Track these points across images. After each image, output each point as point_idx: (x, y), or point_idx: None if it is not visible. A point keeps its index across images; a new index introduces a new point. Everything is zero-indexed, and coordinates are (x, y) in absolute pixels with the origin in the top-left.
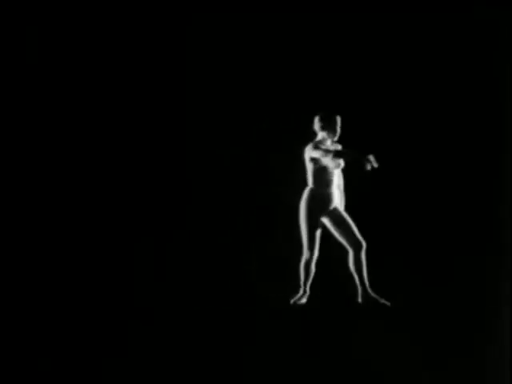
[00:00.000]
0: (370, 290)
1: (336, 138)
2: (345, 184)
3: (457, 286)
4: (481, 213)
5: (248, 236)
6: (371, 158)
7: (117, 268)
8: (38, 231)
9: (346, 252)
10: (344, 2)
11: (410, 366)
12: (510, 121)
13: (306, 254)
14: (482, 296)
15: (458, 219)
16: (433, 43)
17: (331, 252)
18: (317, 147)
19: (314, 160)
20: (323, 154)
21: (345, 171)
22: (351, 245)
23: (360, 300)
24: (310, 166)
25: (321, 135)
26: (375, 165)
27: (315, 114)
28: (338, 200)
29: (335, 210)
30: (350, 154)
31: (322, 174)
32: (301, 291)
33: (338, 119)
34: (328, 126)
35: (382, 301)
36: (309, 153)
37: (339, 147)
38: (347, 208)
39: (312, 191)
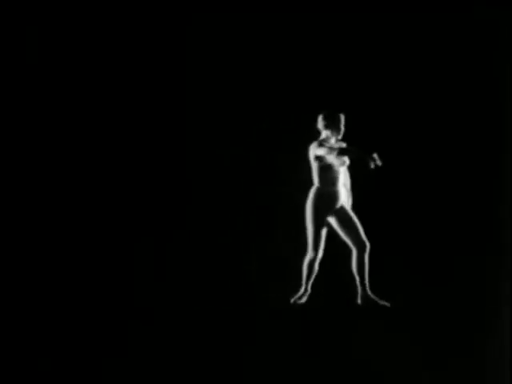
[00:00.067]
0: (369, 292)
1: (340, 137)
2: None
3: (457, 285)
4: (481, 213)
5: (248, 236)
6: (375, 155)
7: (117, 268)
8: (38, 231)
9: (349, 252)
10: (343, 1)
11: (410, 365)
12: (510, 121)
13: (310, 253)
14: (482, 296)
15: (458, 219)
16: (433, 43)
17: (332, 251)
18: (321, 145)
19: (318, 158)
20: (327, 152)
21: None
22: (355, 245)
23: (359, 301)
24: (314, 165)
25: (325, 134)
26: (379, 163)
27: (315, 113)
28: (344, 198)
29: (342, 208)
30: (355, 152)
31: (328, 172)
32: (302, 290)
33: (342, 117)
34: (332, 125)
35: (382, 302)
36: (313, 151)
37: (343, 145)
38: None
39: (318, 190)
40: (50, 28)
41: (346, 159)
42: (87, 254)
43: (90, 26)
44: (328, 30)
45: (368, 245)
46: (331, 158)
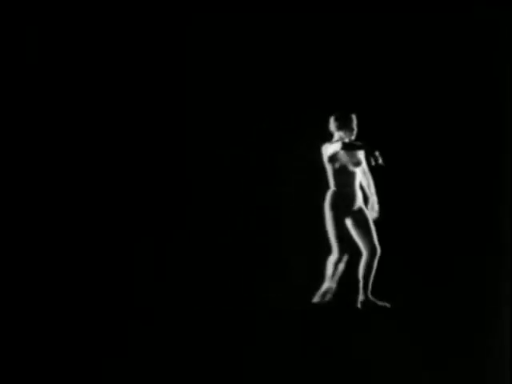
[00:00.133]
0: (370, 297)
1: (353, 137)
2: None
3: (457, 285)
4: (481, 213)
5: (248, 236)
6: (376, 153)
7: (117, 268)
8: (38, 231)
9: (355, 255)
10: (343, 1)
11: (410, 365)
12: (510, 121)
13: (336, 254)
14: (482, 296)
15: (458, 219)
16: (433, 43)
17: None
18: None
19: (331, 160)
20: (337, 147)
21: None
22: (366, 248)
23: (359, 306)
24: (329, 167)
25: (337, 135)
26: (380, 161)
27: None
28: (361, 200)
29: (360, 210)
30: (358, 145)
31: (343, 174)
32: (325, 286)
33: (354, 118)
34: (344, 126)
35: (381, 303)
36: (324, 152)
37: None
38: None
39: (334, 193)
40: (50, 28)
41: (361, 159)
42: (87, 253)
43: (90, 26)
44: (327, 30)
45: (379, 251)
46: (343, 157)
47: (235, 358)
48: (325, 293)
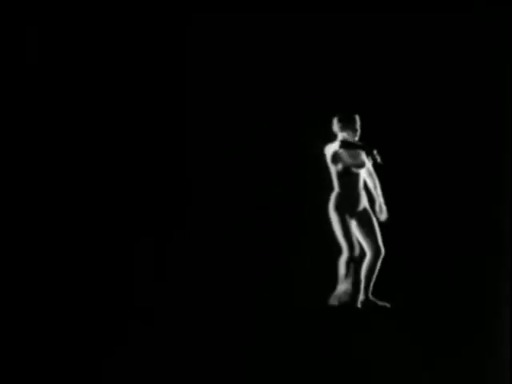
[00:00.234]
0: (371, 297)
1: (357, 138)
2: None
3: (457, 286)
4: (481, 213)
5: (248, 236)
6: (374, 152)
7: (117, 268)
8: (38, 231)
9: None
10: (343, 1)
11: (410, 365)
12: (510, 121)
13: (346, 253)
14: (482, 296)
15: (458, 219)
16: (433, 43)
17: (333, 252)
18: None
19: (334, 160)
20: (337, 146)
21: None
22: (371, 249)
23: (359, 306)
24: (333, 169)
25: (341, 136)
26: (378, 160)
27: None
28: (365, 201)
29: (365, 211)
30: (356, 144)
31: (346, 175)
32: (340, 288)
33: (357, 118)
34: (347, 126)
35: (381, 303)
36: (327, 152)
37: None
38: None
39: (339, 195)
40: (50, 28)
41: (365, 161)
42: (87, 253)
43: (90, 26)
44: (326, 30)
45: (383, 252)
46: (346, 159)
47: (235, 358)
48: (341, 294)
